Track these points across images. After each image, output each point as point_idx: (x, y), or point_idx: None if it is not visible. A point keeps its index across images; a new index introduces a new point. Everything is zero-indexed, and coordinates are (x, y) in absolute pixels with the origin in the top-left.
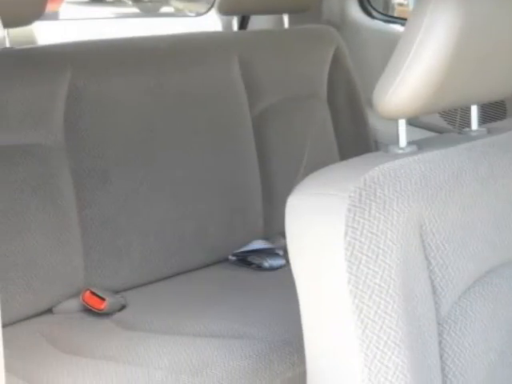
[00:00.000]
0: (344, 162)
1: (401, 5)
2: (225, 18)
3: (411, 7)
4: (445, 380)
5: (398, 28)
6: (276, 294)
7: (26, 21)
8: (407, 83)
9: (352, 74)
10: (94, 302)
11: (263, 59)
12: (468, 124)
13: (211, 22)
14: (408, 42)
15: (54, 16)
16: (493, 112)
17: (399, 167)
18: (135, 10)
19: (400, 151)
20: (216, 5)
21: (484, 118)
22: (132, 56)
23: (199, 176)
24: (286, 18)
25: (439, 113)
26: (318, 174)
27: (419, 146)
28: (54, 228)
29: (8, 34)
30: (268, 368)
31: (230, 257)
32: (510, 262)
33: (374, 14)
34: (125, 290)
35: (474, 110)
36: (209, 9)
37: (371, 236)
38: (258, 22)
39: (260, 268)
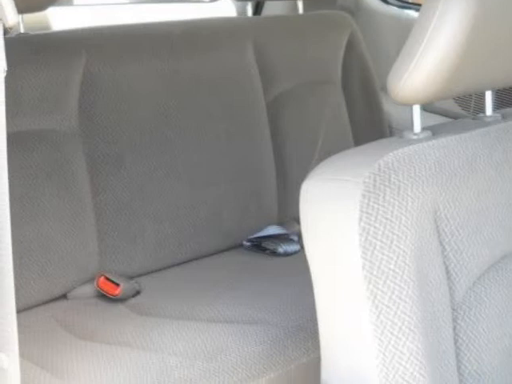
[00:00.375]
0: (358, 148)
1: None
2: (239, 3)
3: None
4: (459, 365)
5: (412, 14)
6: (290, 279)
7: (40, 6)
8: (421, 69)
9: (366, 59)
10: (109, 288)
11: (277, 45)
12: (482, 109)
13: (226, 8)
14: (422, 28)
15: (69, 1)
16: (507, 97)
17: (413, 153)
18: None
19: (414, 137)
20: None
21: (498, 104)
22: (146, 42)
23: (213, 161)
24: (300, 4)
25: (453, 98)
26: (332, 160)
27: (433, 131)
28: (68, 213)
29: (22, 19)
30: (282, 354)
31: (245, 242)
32: None
33: None
34: (139, 275)
35: (489, 96)
36: None
37: (385, 222)
38: (273, 8)
39: (274, 254)
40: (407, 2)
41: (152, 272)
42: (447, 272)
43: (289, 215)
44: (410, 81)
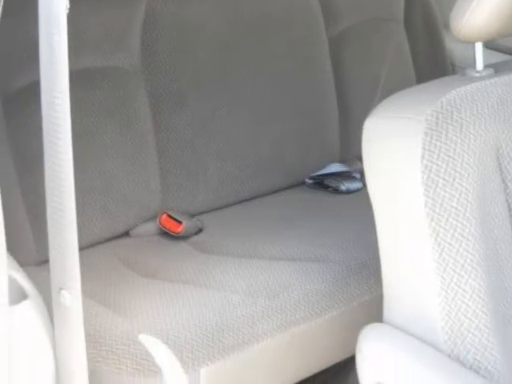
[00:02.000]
0: (421, 86)
1: None
2: None
3: None
4: None
5: None
6: (353, 217)
7: None
8: (484, 6)
9: None
10: (171, 226)
11: None
12: None
13: None
14: None
15: None
16: None
17: (476, 90)
18: None
19: (477, 74)
20: None
21: None
22: None
23: (276, 99)
24: None
25: None
26: (394, 98)
27: (496, 69)
28: (130, 151)
29: None
30: (345, 291)
31: (307, 180)
32: None
33: None
34: (201, 213)
35: None
36: None
37: (448, 159)
38: None
39: (337, 191)
40: None
41: (214, 210)
42: (509, 210)
43: (351, 153)
44: (473, 18)
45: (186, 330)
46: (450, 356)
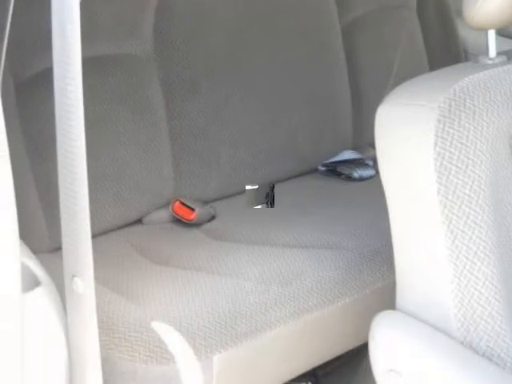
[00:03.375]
0: (433, 73)
1: None
2: None
3: None
4: None
5: None
6: (366, 204)
7: None
8: None
9: None
10: (184, 213)
11: None
12: None
13: None
14: None
15: None
16: None
17: (489, 78)
18: None
19: (489, 62)
20: None
21: None
22: None
23: (289, 86)
24: None
25: None
26: (407, 85)
27: (509, 56)
28: (143, 138)
29: None
30: (358, 278)
31: (320, 167)
32: None
33: None
34: (214, 200)
35: None
36: None
37: (461, 146)
38: None
39: (350, 178)
40: None
41: (227, 197)
42: None
43: (364, 140)
44: (486, 5)
45: (198, 317)
46: (462, 343)
